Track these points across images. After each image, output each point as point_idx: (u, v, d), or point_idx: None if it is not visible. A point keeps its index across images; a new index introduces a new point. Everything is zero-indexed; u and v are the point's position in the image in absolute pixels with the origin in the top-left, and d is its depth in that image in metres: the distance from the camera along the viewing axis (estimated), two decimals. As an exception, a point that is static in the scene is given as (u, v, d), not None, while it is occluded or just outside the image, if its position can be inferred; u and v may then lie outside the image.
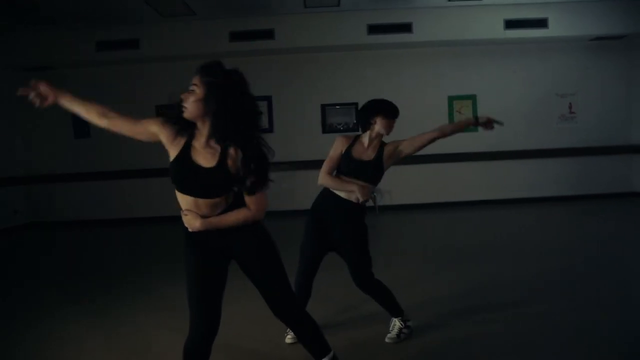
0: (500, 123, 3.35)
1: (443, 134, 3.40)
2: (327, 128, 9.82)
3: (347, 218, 3.30)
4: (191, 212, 2.30)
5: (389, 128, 3.43)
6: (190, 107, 2.23)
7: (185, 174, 2.26)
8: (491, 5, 8.90)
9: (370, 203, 3.40)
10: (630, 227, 7.42)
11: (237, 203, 2.37)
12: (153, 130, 2.40)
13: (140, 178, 9.73)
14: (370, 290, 3.36)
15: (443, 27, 9.07)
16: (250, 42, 9.14)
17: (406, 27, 9.04)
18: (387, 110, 3.47)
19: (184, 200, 2.33)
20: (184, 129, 2.31)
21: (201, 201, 2.29)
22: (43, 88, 2.50)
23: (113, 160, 9.77)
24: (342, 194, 3.29)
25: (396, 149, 3.37)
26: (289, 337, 3.43)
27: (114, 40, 9.09)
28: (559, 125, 9.91)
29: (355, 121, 9.76)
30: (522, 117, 9.71)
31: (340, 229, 3.30)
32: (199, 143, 2.28)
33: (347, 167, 3.32)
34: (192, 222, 2.30)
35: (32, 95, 2.45)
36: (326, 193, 3.38)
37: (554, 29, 9.06)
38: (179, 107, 2.26)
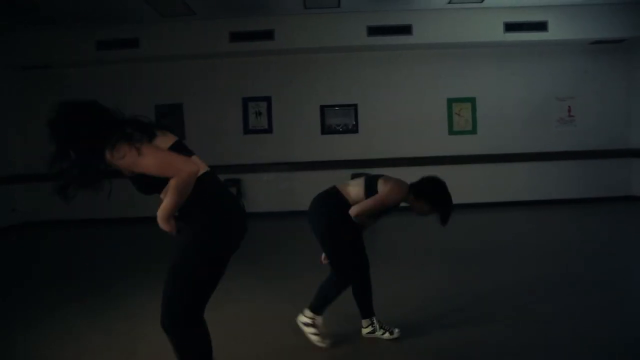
0: None
1: None
2: (326, 129, 9.81)
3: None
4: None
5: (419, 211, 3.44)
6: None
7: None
8: (491, 8, 8.91)
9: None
10: (629, 230, 7.43)
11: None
12: None
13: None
14: None
15: (443, 29, 9.08)
16: (250, 43, 9.14)
17: (406, 29, 9.05)
18: (439, 204, 3.35)
19: None
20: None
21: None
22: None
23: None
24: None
25: None
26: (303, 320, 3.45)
27: (114, 40, 9.07)
28: (558, 129, 9.92)
29: (354, 122, 9.77)
30: (521, 120, 9.75)
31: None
32: None
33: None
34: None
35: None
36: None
37: (554, 32, 9.07)
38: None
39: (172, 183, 2.19)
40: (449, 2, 8.65)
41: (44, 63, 9.44)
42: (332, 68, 9.80)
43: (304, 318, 3.43)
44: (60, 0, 7.81)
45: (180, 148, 2.38)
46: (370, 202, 3.25)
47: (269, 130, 9.76)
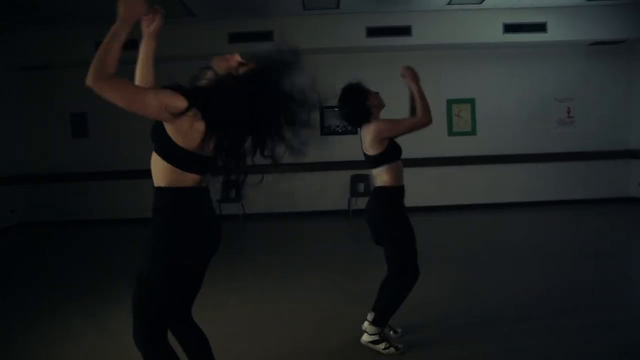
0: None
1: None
2: (326, 130, 9.82)
3: None
4: None
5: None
6: None
7: None
8: (490, 9, 8.92)
9: None
10: (629, 232, 7.44)
11: None
12: None
13: (138, 179, 9.71)
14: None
15: (442, 30, 9.08)
16: (248, 44, 9.12)
17: (405, 30, 9.06)
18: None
19: None
20: None
21: None
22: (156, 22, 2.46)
23: (111, 160, 9.77)
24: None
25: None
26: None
27: (113, 40, 9.06)
28: (557, 130, 9.93)
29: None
30: (520, 121, 9.76)
31: None
32: None
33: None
34: None
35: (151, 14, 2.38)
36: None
37: (553, 33, 9.08)
38: None
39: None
40: (448, 3, 8.65)
41: (44, 63, 9.44)
42: (330, 69, 9.78)
43: (369, 337, 3.32)
44: (61, 1, 7.81)
45: None
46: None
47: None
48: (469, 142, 9.78)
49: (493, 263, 5.66)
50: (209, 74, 2.17)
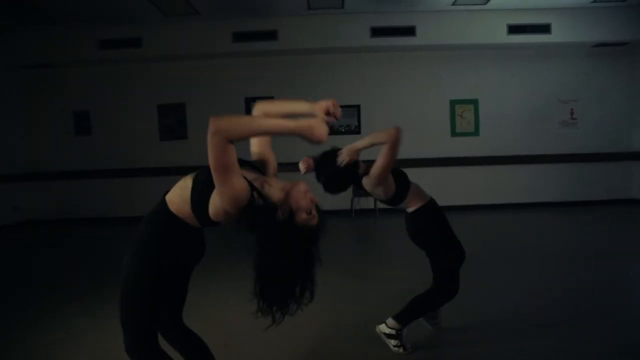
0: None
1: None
2: (329, 130, 9.78)
3: None
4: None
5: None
6: None
7: None
8: (494, 10, 8.91)
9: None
10: (630, 234, 7.41)
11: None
12: None
13: (141, 177, 9.73)
14: None
15: (446, 31, 9.07)
16: (252, 43, 9.14)
17: (409, 31, 9.05)
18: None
19: None
20: None
21: None
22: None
23: (114, 158, 9.78)
24: None
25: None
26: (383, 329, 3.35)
27: (117, 39, 9.08)
28: (559, 131, 9.91)
29: (357, 123, 9.77)
30: (523, 122, 9.75)
31: None
32: None
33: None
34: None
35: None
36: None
37: (557, 35, 9.07)
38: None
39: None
40: (453, 4, 8.64)
41: (46, 62, 9.45)
42: (334, 69, 9.79)
43: (386, 328, 3.33)
44: (62, 0, 7.82)
45: None
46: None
47: (271, 130, 9.73)
48: (472, 142, 9.77)
49: (493, 263, 5.64)
50: (283, 201, 1.99)
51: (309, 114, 2.18)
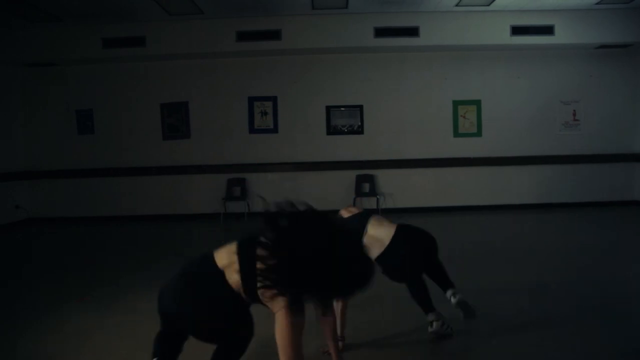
0: None
1: None
2: (332, 130, 9.82)
3: None
4: None
5: None
6: None
7: None
8: (498, 11, 8.91)
9: None
10: (632, 235, 7.41)
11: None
12: None
13: (143, 176, 9.75)
14: None
15: (450, 31, 9.08)
16: (256, 43, 9.15)
17: (413, 31, 9.05)
18: None
19: None
20: None
21: None
22: None
23: (116, 157, 9.80)
24: None
25: None
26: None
27: (121, 38, 9.09)
28: (562, 132, 9.90)
29: (360, 123, 9.78)
30: (525, 123, 9.74)
31: None
32: None
33: None
34: None
35: None
36: None
37: (560, 36, 9.07)
38: None
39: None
40: (457, 5, 8.64)
41: (50, 60, 9.48)
42: (338, 69, 9.80)
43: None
44: (68, -2, 7.86)
45: None
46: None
47: (274, 130, 9.75)
48: (475, 143, 9.76)
49: (494, 263, 5.65)
50: None
51: None
